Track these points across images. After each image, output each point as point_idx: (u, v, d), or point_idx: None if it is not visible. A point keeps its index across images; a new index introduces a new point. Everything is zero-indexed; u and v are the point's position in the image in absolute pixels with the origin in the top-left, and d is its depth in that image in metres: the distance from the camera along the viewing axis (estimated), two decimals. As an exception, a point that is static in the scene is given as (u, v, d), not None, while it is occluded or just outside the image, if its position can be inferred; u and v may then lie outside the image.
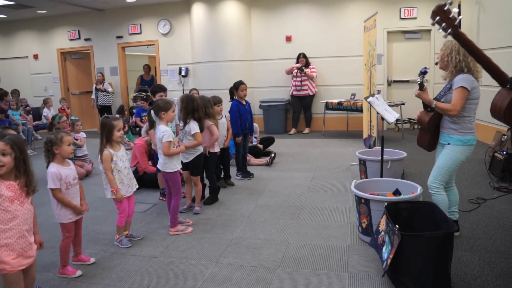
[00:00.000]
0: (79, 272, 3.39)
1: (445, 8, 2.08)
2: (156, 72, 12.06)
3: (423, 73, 3.52)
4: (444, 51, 3.49)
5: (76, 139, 6.75)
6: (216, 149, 5.16)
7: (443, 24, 2.10)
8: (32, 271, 2.77)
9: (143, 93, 10.44)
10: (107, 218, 4.69)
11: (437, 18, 2.11)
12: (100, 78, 11.23)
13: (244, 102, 6.11)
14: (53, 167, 3.26)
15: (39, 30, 12.69)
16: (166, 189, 4.38)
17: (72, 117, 7.72)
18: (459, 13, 7.99)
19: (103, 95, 11.26)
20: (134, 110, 9.50)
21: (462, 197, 4.06)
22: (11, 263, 2.53)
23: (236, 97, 6.11)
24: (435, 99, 3.54)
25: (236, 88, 6.05)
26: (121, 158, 3.82)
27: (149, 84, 11.30)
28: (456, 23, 2.07)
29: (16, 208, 2.54)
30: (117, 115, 8.26)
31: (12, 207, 2.52)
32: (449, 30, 2.09)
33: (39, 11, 11.60)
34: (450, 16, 2.06)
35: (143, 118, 8.19)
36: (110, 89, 11.34)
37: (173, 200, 4.22)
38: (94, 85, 11.31)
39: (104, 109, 11.36)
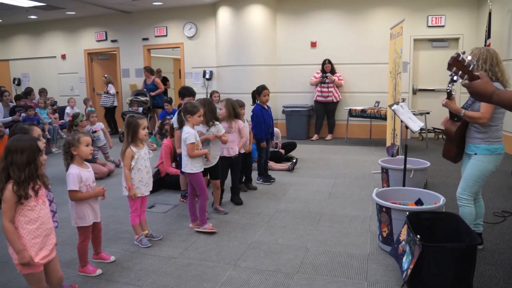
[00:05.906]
0: (99, 271, 3.42)
1: (460, 59, 2.20)
2: (181, 74, 12.16)
3: (454, 80, 3.44)
4: (471, 59, 3.38)
5: (95, 131, 6.88)
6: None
7: (460, 73, 2.22)
8: (58, 270, 2.80)
9: (140, 97, 10.47)
10: (127, 217, 4.70)
11: (454, 68, 2.23)
12: (105, 80, 11.49)
13: (266, 107, 6.11)
14: (74, 169, 3.23)
15: (67, 31, 12.99)
16: (189, 189, 4.42)
17: (89, 108, 7.79)
18: (489, 23, 7.84)
19: (105, 96, 11.56)
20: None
21: (487, 209, 3.97)
22: (40, 264, 2.60)
23: (258, 102, 6.11)
24: (462, 108, 3.47)
25: (259, 92, 6.04)
26: (143, 156, 3.86)
27: (150, 88, 10.92)
28: (470, 68, 2.20)
29: (40, 207, 2.61)
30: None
31: (37, 206, 2.58)
32: (465, 76, 2.22)
33: (68, 13, 11.87)
34: (465, 64, 2.20)
35: (168, 120, 8.27)
36: (112, 91, 11.58)
37: (200, 201, 4.30)
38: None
39: (108, 111, 11.72)
